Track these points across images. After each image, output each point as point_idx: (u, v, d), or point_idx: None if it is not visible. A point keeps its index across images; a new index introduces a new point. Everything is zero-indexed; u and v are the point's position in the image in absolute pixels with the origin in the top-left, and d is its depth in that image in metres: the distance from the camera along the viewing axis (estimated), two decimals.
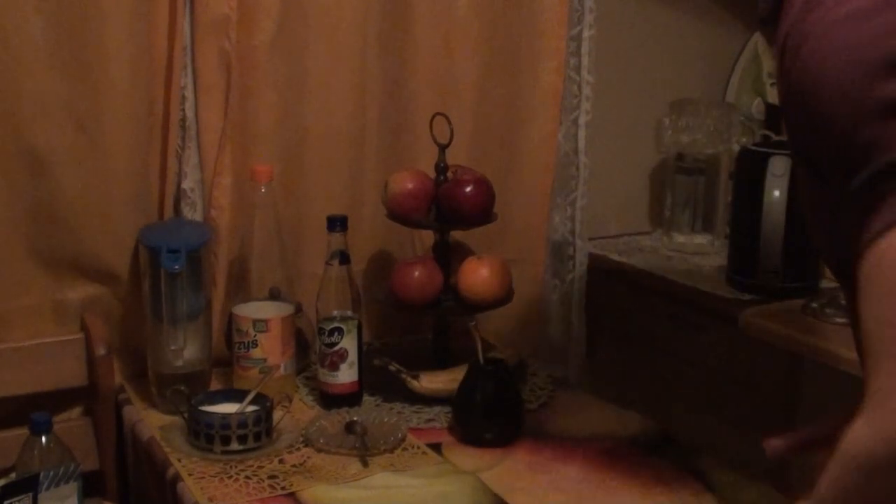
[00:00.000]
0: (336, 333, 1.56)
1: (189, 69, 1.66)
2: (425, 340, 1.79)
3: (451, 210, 1.63)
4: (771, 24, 0.81)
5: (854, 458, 0.63)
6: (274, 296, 1.63)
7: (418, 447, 1.47)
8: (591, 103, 1.99)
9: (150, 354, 1.59)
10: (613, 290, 2.20)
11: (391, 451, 1.45)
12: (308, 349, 1.71)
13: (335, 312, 1.57)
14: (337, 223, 1.58)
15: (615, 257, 2.22)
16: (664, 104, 2.22)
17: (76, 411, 1.68)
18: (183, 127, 1.68)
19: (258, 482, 1.36)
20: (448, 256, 1.68)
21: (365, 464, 1.41)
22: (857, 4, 0.69)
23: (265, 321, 1.56)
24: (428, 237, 1.77)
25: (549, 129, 1.96)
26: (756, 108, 2.31)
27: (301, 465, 1.41)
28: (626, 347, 2.20)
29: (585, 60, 1.96)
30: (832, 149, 0.70)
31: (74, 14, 1.54)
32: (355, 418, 1.51)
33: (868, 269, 0.67)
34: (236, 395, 1.51)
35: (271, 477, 1.38)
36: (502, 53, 1.89)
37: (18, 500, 1.29)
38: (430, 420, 1.56)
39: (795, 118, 0.75)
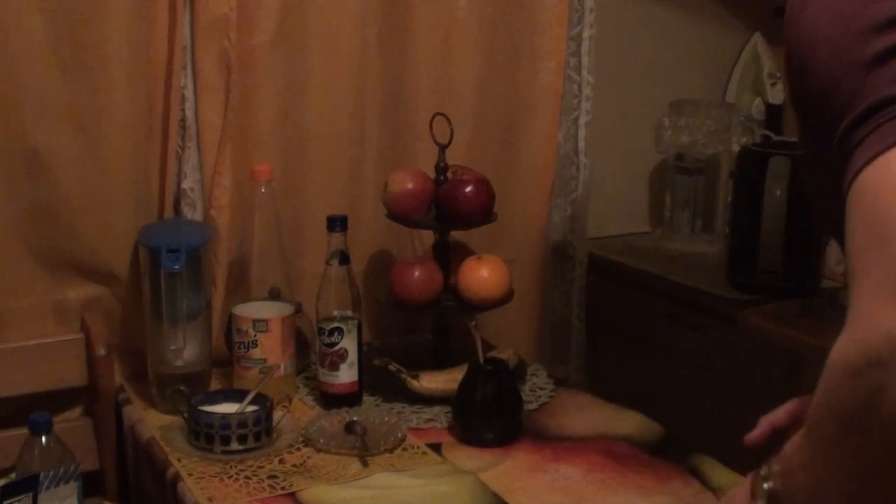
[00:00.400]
0: (336, 333, 1.56)
1: (189, 69, 1.66)
2: (425, 340, 1.79)
3: (451, 210, 1.63)
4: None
5: (835, 365, 0.71)
6: (274, 296, 1.63)
7: (418, 447, 1.47)
8: (591, 103, 1.99)
9: (150, 354, 1.59)
10: (613, 290, 2.20)
11: (391, 451, 1.45)
12: (308, 349, 1.71)
13: (335, 312, 1.57)
14: (337, 223, 1.58)
15: (615, 257, 2.22)
16: (664, 104, 2.22)
17: (76, 411, 1.68)
18: (183, 127, 1.68)
19: (258, 482, 1.36)
20: (448, 256, 1.68)
21: (365, 464, 1.41)
22: None
23: (265, 321, 1.56)
24: (428, 237, 1.76)
25: (549, 130, 1.96)
26: (756, 108, 2.31)
27: (301, 465, 1.41)
28: (626, 347, 2.20)
29: (585, 60, 1.96)
30: (823, 103, 0.77)
31: (74, 14, 1.54)
32: (355, 418, 1.50)
33: (848, 204, 0.73)
34: (236, 395, 1.51)
35: (271, 477, 1.37)
36: (502, 53, 1.89)
37: (18, 500, 1.29)
38: (430, 420, 1.56)
39: (794, 80, 0.82)
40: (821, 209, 0.92)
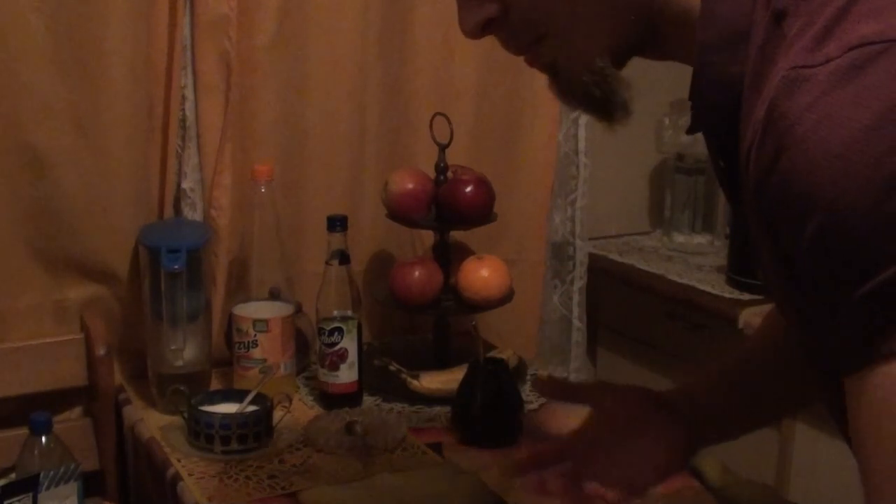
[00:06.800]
0: (336, 333, 1.56)
1: (189, 69, 1.66)
2: (425, 340, 1.79)
3: (451, 210, 1.63)
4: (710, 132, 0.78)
5: None
6: (274, 296, 1.63)
7: (418, 447, 1.47)
8: None
9: (150, 354, 1.59)
10: (613, 290, 2.20)
11: (391, 451, 1.45)
12: (308, 349, 1.71)
13: (335, 312, 1.57)
14: (337, 223, 1.58)
15: (615, 257, 2.22)
16: (664, 104, 2.22)
17: (76, 411, 1.68)
18: (183, 127, 1.68)
19: (258, 482, 1.36)
20: (448, 256, 1.68)
21: (365, 464, 1.41)
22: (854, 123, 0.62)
23: (265, 321, 1.56)
24: (428, 237, 1.77)
25: (549, 129, 1.96)
26: None
27: (301, 465, 1.41)
28: (626, 347, 2.20)
29: None
30: (832, 255, 0.64)
31: (74, 14, 1.54)
32: (355, 418, 1.50)
33: (869, 394, 0.64)
34: (236, 395, 1.51)
35: (271, 477, 1.38)
36: (502, 53, 1.87)
37: (18, 500, 1.29)
38: (430, 420, 1.56)
39: (779, 230, 0.68)
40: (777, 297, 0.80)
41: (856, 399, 0.65)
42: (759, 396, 1.06)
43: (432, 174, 1.67)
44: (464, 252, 1.72)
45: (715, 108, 0.74)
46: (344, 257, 1.58)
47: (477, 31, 0.85)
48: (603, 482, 1.01)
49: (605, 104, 0.82)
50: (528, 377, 1.71)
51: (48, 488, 1.31)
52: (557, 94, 0.86)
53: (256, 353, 1.57)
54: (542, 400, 1.64)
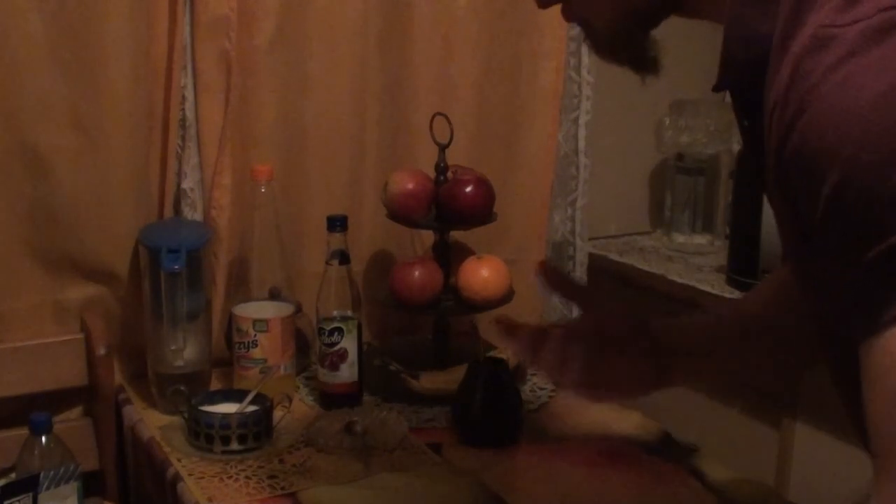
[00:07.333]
0: (336, 333, 1.56)
1: (189, 69, 1.66)
2: (425, 340, 1.79)
3: (451, 210, 1.63)
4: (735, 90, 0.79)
5: None
6: (274, 296, 1.63)
7: (418, 447, 1.47)
8: (591, 103, 1.99)
9: (150, 354, 1.59)
10: (613, 290, 2.20)
11: (391, 451, 1.45)
12: (308, 349, 1.71)
13: (335, 312, 1.57)
14: (337, 223, 1.58)
15: (615, 257, 2.22)
16: (664, 104, 2.22)
17: (76, 411, 1.68)
18: (183, 127, 1.68)
19: (258, 482, 1.36)
20: (448, 256, 1.68)
21: (365, 464, 1.41)
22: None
23: (265, 321, 1.56)
24: (428, 237, 1.77)
25: (549, 129, 1.96)
26: None
27: (301, 465, 1.41)
28: None
29: (585, 60, 1.96)
30: (845, 218, 0.64)
31: (74, 14, 1.54)
32: (355, 418, 1.50)
33: (884, 357, 0.63)
34: (236, 395, 1.51)
35: (271, 477, 1.38)
36: (502, 53, 1.89)
37: (18, 500, 1.29)
38: (430, 420, 1.56)
39: (798, 189, 0.67)
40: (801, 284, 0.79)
41: (870, 364, 0.64)
42: (732, 349, 1.10)
43: (432, 174, 1.67)
44: (464, 252, 1.72)
45: (742, 66, 0.74)
46: (344, 257, 1.58)
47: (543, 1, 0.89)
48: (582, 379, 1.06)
49: (633, 61, 0.86)
50: (529, 377, 1.71)
51: (48, 488, 1.31)
52: (590, 47, 0.92)
53: (256, 353, 1.57)
54: (543, 400, 1.64)
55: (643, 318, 1.12)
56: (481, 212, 1.64)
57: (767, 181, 0.72)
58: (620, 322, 1.11)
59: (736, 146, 2.12)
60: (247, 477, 1.38)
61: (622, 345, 1.09)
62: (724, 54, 0.76)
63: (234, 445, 1.43)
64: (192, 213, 1.71)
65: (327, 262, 1.58)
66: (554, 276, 1.19)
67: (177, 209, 1.71)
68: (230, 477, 1.37)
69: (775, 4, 0.70)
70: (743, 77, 0.75)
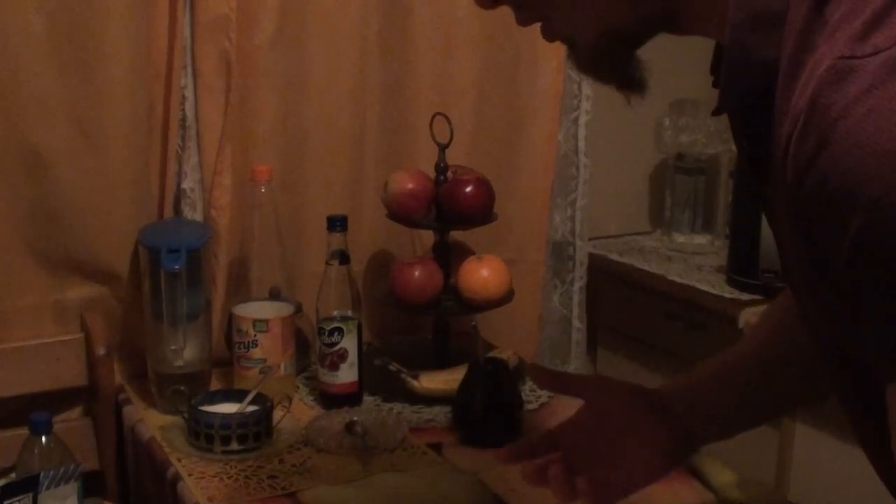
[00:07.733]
0: (336, 333, 1.56)
1: (189, 69, 1.66)
2: (425, 340, 1.79)
3: (451, 210, 1.63)
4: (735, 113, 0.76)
5: None
6: (274, 296, 1.63)
7: (418, 447, 1.47)
8: (591, 103, 1.99)
9: (150, 354, 1.59)
10: (613, 290, 2.20)
11: (391, 451, 1.45)
12: (308, 349, 1.71)
13: (335, 312, 1.57)
14: (337, 223, 1.58)
15: (615, 257, 2.22)
16: (664, 104, 2.22)
17: (76, 411, 1.68)
18: (183, 127, 1.68)
19: (258, 482, 1.36)
20: (448, 256, 1.68)
21: (365, 464, 1.41)
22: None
23: (265, 321, 1.56)
24: (428, 237, 1.77)
25: (549, 129, 1.96)
26: None
27: (301, 465, 1.41)
28: (626, 347, 2.20)
29: None
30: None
31: (74, 14, 1.54)
32: (355, 418, 1.50)
33: None
34: (236, 395, 1.51)
35: (271, 477, 1.38)
36: (502, 53, 1.89)
37: (18, 500, 1.29)
38: (430, 420, 1.56)
39: (821, 226, 0.64)
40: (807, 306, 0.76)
41: None
42: (757, 394, 1.05)
43: (432, 174, 1.66)
44: (464, 252, 1.72)
45: (745, 92, 0.71)
46: (344, 257, 1.58)
47: (488, 1, 0.87)
48: (591, 478, 1.00)
49: (617, 80, 0.83)
50: (528, 377, 1.71)
51: (48, 488, 1.31)
52: (573, 65, 0.87)
53: (256, 353, 1.57)
54: (543, 400, 1.64)
55: (647, 390, 1.06)
56: (481, 212, 1.64)
57: (772, 209, 0.70)
58: (623, 405, 1.05)
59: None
60: (247, 477, 1.38)
61: (631, 427, 1.04)
62: (725, 81, 0.73)
63: (234, 445, 1.43)
64: (192, 213, 1.71)
65: (327, 262, 1.58)
66: (543, 376, 1.16)
67: (177, 209, 1.71)
68: (230, 477, 1.37)
69: (779, 31, 0.68)
70: (744, 103, 0.72)
